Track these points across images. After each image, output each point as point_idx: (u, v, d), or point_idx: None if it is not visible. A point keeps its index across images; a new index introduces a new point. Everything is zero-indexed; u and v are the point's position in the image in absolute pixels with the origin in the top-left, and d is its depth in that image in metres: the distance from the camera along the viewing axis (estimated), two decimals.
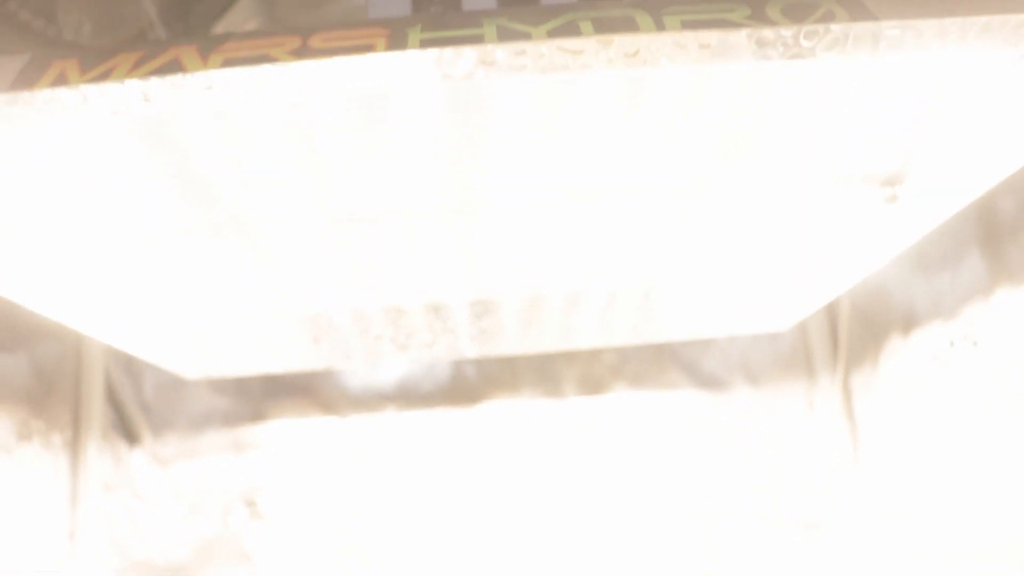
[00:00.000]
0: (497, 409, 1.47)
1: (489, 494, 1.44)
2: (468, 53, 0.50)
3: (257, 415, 1.46)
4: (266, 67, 0.51)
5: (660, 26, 0.51)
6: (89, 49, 0.54)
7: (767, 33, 0.50)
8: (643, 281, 1.17)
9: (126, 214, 0.83)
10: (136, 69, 0.50)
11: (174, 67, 0.50)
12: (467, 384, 1.48)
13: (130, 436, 1.44)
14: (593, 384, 1.49)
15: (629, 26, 0.51)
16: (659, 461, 1.46)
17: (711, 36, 0.49)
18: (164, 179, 0.76)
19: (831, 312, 1.49)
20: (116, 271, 0.95)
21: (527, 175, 0.83)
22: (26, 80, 0.51)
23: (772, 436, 1.47)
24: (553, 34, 0.51)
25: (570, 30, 0.51)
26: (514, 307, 1.19)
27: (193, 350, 1.17)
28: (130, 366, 1.46)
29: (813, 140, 0.85)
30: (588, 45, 0.49)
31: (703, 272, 1.13)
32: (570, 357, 1.50)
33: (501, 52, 0.50)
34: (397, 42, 0.51)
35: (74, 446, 1.40)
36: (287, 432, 1.46)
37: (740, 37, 0.50)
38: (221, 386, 1.47)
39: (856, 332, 1.41)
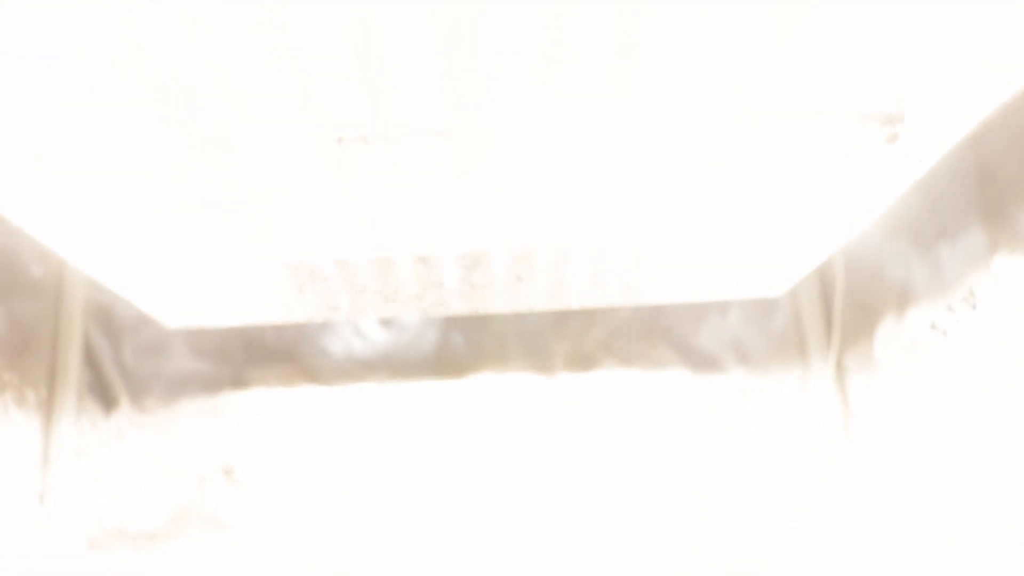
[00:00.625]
0: (484, 382, 1.44)
1: (474, 468, 1.41)
2: None
3: (238, 381, 1.42)
4: None
5: None
6: None
7: None
8: (635, 235, 1.15)
9: (102, 133, 0.81)
10: None
11: None
12: (455, 356, 1.45)
13: (107, 399, 1.40)
14: (583, 360, 1.46)
15: None
16: (648, 439, 1.43)
17: None
18: (136, 88, 0.74)
19: (824, 291, 1.47)
20: (98, 196, 0.93)
21: (520, 89, 0.81)
22: None
23: (764, 417, 1.44)
24: None
25: None
26: (504, 260, 1.17)
27: (175, 294, 1.15)
28: (110, 328, 1.43)
29: (814, 80, 0.83)
30: None
31: (697, 224, 1.11)
32: (559, 331, 1.47)
33: None
34: None
35: (48, 405, 1.36)
36: (269, 399, 1.42)
37: None
38: (201, 350, 1.43)
39: (850, 311, 1.39)
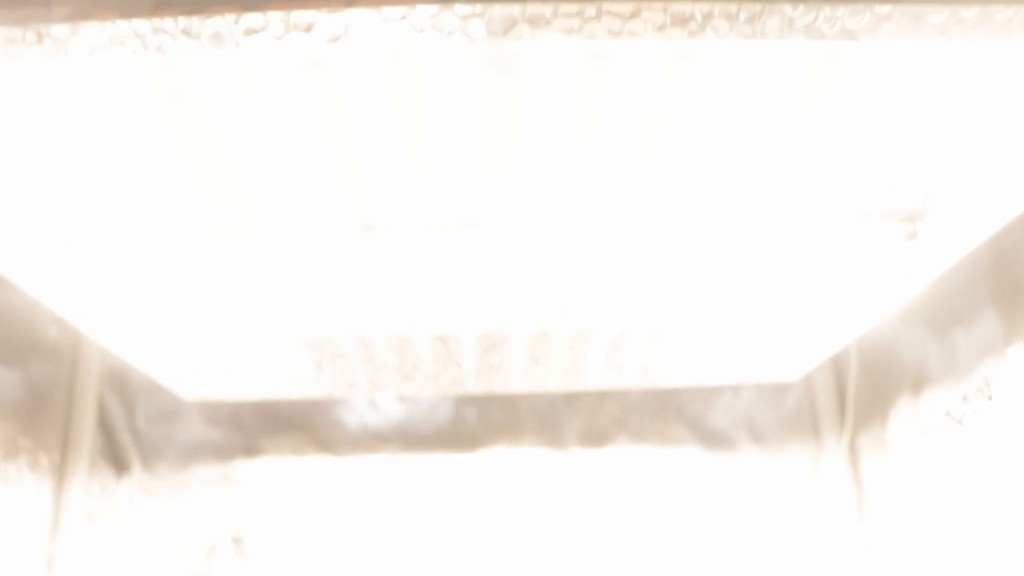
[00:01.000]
0: (497, 456, 1.44)
1: (486, 542, 1.40)
2: (511, 9, 0.50)
3: (251, 449, 1.42)
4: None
5: None
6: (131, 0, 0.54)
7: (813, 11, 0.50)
8: (655, 319, 1.16)
9: (140, 202, 0.82)
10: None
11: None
12: (468, 429, 1.45)
13: (119, 464, 1.40)
14: (596, 436, 1.46)
15: None
16: (660, 516, 1.42)
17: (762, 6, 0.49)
18: (183, 162, 0.75)
19: (838, 372, 1.48)
20: (124, 268, 0.94)
21: (553, 180, 0.83)
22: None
23: (775, 497, 1.43)
24: None
25: None
26: (522, 342, 1.17)
27: (193, 368, 1.15)
28: (124, 393, 1.43)
29: (836, 175, 0.85)
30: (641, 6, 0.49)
31: (718, 312, 1.12)
32: (573, 407, 1.47)
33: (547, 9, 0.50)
34: None
35: (61, 469, 1.36)
36: (281, 469, 1.42)
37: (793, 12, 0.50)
38: (215, 417, 1.43)
39: (864, 393, 1.39)
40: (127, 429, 1.41)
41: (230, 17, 0.49)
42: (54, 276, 0.92)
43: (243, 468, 1.41)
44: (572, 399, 1.47)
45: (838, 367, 1.48)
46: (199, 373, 1.16)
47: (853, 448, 1.44)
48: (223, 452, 1.42)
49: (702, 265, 1.01)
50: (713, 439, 1.46)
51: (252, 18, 0.50)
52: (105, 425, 1.41)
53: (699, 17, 0.50)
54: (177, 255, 0.93)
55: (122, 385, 1.43)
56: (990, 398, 1.10)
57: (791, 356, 1.18)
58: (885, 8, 0.51)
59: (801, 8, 0.51)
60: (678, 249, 0.97)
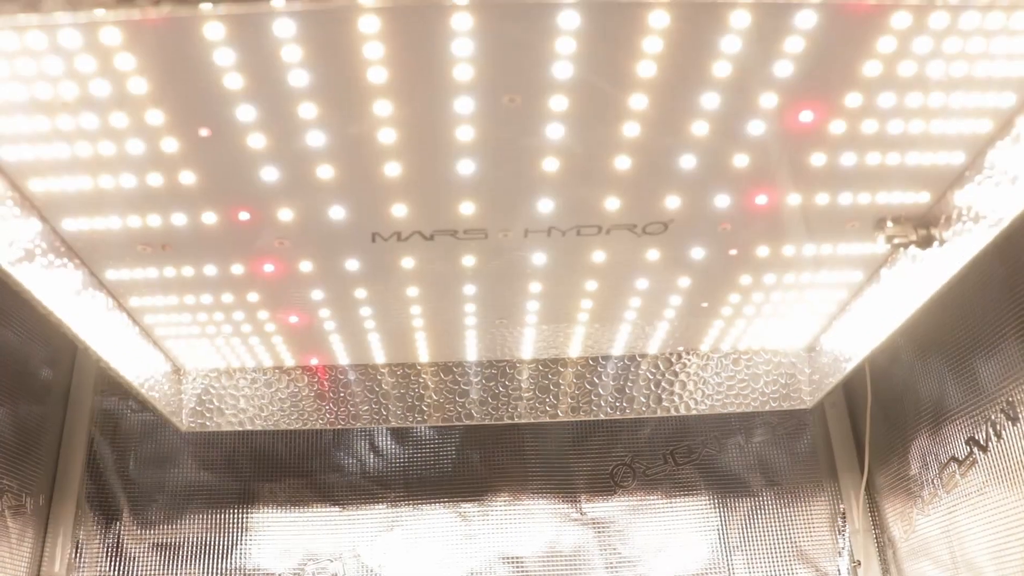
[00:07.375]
0: (504, 504, 1.38)
1: None
2: None
3: (246, 497, 1.36)
4: None
5: None
6: None
7: None
8: (667, 343, 1.12)
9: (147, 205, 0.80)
10: None
11: None
12: (473, 476, 1.39)
13: (107, 510, 1.34)
14: (604, 480, 1.41)
15: None
16: (671, 563, 1.36)
17: None
18: (194, 158, 0.73)
19: (853, 412, 1.44)
20: (128, 278, 0.91)
21: (559, 187, 0.80)
22: None
23: (793, 539, 1.38)
24: None
25: None
26: (529, 369, 1.14)
27: (191, 393, 1.11)
28: (115, 437, 1.38)
29: (849, 177, 0.83)
30: None
31: (731, 330, 1.09)
32: (580, 453, 1.42)
33: None
34: None
35: (46, 514, 1.30)
36: (278, 517, 1.36)
37: None
38: (209, 463, 1.38)
39: (880, 431, 1.35)
40: (117, 475, 1.36)
41: None
42: (56, 281, 0.88)
43: (238, 516, 1.35)
44: (579, 443, 1.42)
45: (852, 407, 1.44)
46: (196, 399, 1.12)
47: (871, 487, 1.39)
48: (217, 499, 1.36)
49: (714, 279, 0.99)
50: (727, 483, 1.41)
51: None
52: (94, 471, 1.35)
53: None
54: (178, 264, 0.91)
55: (113, 429, 1.38)
56: (1016, 419, 1.06)
57: (805, 377, 1.15)
58: None
59: None
60: (688, 261, 0.95)
